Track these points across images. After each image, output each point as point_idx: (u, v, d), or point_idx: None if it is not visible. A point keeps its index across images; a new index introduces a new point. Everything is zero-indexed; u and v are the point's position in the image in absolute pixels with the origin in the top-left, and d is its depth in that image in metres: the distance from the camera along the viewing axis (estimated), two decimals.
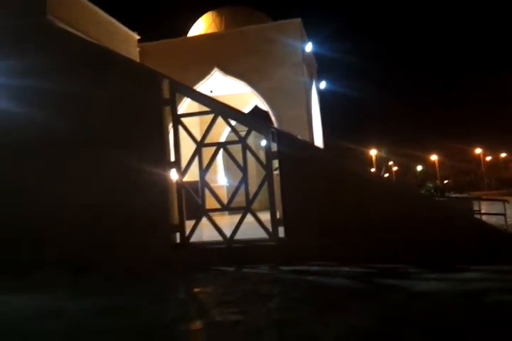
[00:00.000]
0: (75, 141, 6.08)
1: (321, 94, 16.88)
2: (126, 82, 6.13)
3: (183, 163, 5.89)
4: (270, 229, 5.54)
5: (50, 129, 6.06)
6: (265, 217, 5.74)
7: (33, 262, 5.64)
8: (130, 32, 10.31)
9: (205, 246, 5.79)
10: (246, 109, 15.40)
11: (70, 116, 6.15)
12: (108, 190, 5.89)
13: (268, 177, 5.68)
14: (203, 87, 13.51)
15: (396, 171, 66.84)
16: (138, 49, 10.81)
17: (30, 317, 3.49)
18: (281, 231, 5.51)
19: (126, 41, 9.89)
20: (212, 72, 13.24)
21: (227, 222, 7.61)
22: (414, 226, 5.00)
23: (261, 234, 5.61)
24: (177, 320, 3.18)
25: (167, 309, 3.60)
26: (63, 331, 3.04)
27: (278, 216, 5.60)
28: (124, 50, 8.92)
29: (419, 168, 68.99)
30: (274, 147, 5.68)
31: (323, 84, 16.62)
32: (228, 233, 5.65)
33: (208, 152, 6.02)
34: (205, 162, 5.94)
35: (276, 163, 5.73)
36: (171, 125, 6.06)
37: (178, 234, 5.74)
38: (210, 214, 5.83)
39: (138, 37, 10.73)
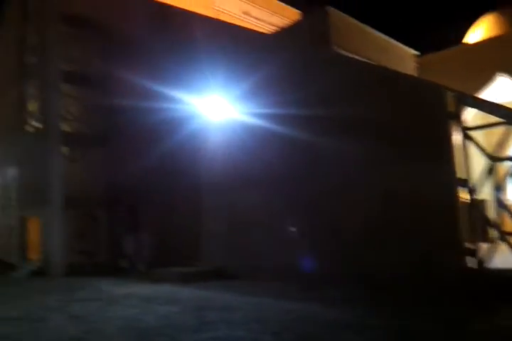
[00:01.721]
0: (361, 161, 6.30)
1: None
2: (406, 99, 6.04)
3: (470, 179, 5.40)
4: None
5: (340, 151, 6.44)
6: None
7: (329, 277, 6.09)
8: (406, 48, 10.27)
9: (506, 274, 5.06)
10: None
11: (355, 138, 6.36)
12: (390, 207, 5.91)
13: None
14: (483, 95, 12.30)
15: None
16: (415, 64, 10.64)
17: (326, 326, 3.79)
18: None
19: (403, 57, 9.89)
20: (496, 78, 11.91)
21: None
22: None
23: None
24: None
25: (468, 338, 3.31)
26: None
27: None
28: (401, 67, 8.92)
29: None
30: None
31: None
32: None
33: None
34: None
35: None
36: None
37: (470, 258, 5.23)
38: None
39: (415, 52, 10.57)
